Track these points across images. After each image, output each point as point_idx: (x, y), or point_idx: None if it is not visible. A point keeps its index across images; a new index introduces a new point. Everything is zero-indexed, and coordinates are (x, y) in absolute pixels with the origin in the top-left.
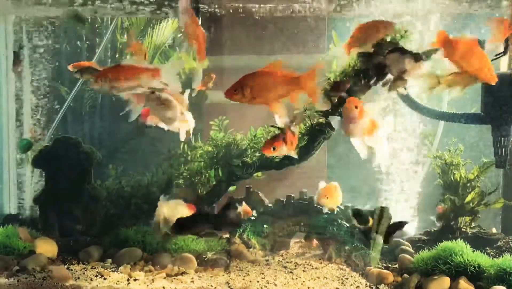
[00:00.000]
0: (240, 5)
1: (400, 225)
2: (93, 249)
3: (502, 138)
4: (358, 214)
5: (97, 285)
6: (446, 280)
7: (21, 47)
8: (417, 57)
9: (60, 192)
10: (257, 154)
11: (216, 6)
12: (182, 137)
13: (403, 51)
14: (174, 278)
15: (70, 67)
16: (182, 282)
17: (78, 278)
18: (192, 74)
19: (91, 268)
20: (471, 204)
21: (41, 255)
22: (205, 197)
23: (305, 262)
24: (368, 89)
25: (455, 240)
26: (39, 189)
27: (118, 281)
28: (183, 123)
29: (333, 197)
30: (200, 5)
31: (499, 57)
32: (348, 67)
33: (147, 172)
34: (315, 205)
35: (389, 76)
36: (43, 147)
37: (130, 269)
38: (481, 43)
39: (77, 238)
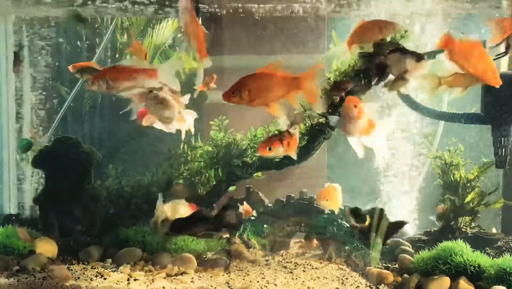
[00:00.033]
0: (240, 5)
1: (398, 225)
2: (93, 249)
3: (502, 139)
4: (356, 213)
5: (97, 285)
6: (446, 280)
7: (21, 47)
8: (418, 57)
9: (60, 192)
10: (257, 154)
11: (216, 6)
12: (183, 136)
13: (404, 51)
14: (174, 278)
15: (70, 68)
16: (182, 282)
17: (78, 278)
18: (196, 72)
19: (91, 268)
20: (471, 204)
21: (41, 255)
22: (205, 197)
23: (305, 262)
24: (368, 89)
25: (455, 240)
26: (38, 188)
27: (118, 281)
28: (182, 122)
29: (332, 199)
30: (200, 5)
31: (500, 57)
32: (348, 67)
33: (147, 172)
34: (315, 205)
35: (391, 77)
36: (43, 146)
37: (130, 269)
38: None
39: (77, 238)
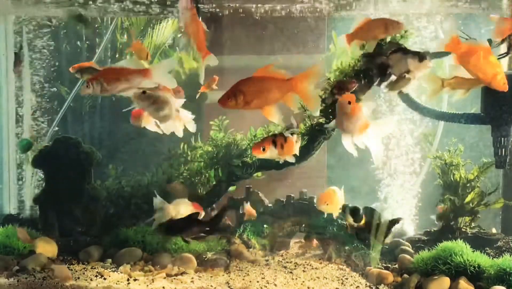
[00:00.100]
0: (241, 5)
1: (392, 223)
2: (93, 249)
3: (502, 139)
4: (354, 213)
5: (97, 285)
6: (446, 280)
7: (21, 47)
8: (421, 57)
9: (60, 192)
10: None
11: (215, 6)
12: (180, 134)
13: (406, 51)
14: (174, 278)
15: (71, 69)
16: (182, 282)
17: (78, 278)
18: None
19: (91, 268)
20: (471, 204)
21: (41, 255)
22: (205, 197)
23: (305, 262)
24: (368, 89)
25: (455, 240)
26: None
27: (118, 281)
28: (179, 121)
29: (333, 203)
30: (200, 5)
31: (502, 57)
32: (348, 67)
33: (147, 172)
34: (315, 205)
35: (393, 77)
36: (43, 147)
37: (130, 269)
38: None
39: (77, 238)
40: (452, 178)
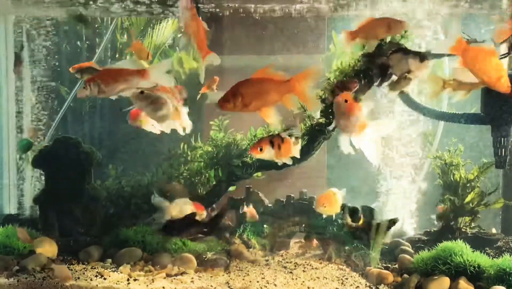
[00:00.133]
0: (241, 5)
1: (391, 223)
2: (93, 249)
3: (502, 139)
4: (354, 213)
5: (97, 285)
6: (446, 280)
7: (21, 47)
8: (422, 57)
9: (60, 192)
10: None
11: (214, 6)
12: (181, 132)
13: (406, 51)
14: (174, 278)
15: (71, 70)
16: (182, 282)
17: (78, 278)
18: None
19: (91, 268)
20: (471, 204)
21: (41, 255)
22: (205, 197)
23: (305, 262)
24: (368, 89)
25: (455, 240)
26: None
27: (118, 281)
28: (178, 119)
29: (331, 205)
30: (200, 5)
31: (503, 57)
32: (348, 67)
33: (147, 172)
34: (314, 206)
35: (394, 77)
36: (43, 147)
37: (130, 269)
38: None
39: (77, 238)
40: (452, 178)
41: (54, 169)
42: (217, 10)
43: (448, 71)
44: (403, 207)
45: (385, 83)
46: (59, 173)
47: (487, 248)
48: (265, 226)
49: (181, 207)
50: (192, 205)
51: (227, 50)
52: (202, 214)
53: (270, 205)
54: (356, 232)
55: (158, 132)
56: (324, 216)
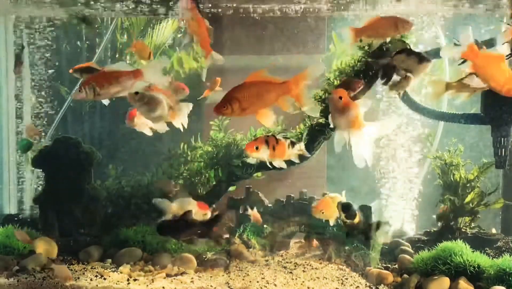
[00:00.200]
0: (241, 5)
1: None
2: (93, 249)
3: (502, 139)
4: (346, 209)
5: (97, 285)
6: (446, 281)
7: (22, 48)
8: (420, 59)
9: (60, 192)
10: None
11: (215, 6)
12: (181, 128)
13: (409, 52)
14: (174, 278)
15: (71, 71)
16: (182, 282)
17: (78, 278)
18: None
19: (91, 268)
20: (470, 204)
21: (41, 255)
22: (205, 197)
23: (305, 262)
24: (368, 89)
25: (455, 241)
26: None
27: (118, 281)
28: (174, 119)
29: (329, 211)
30: (200, 5)
31: (509, 57)
32: (347, 67)
33: (147, 172)
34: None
35: (395, 78)
36: (43, 147)
37: (130, 269)
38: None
39: (77, 238)
40: (452, 178)
41: (54, 169)
42: (218, 10)
43: (448, 72)
44: (403, 207)
45: (390, 83)
46: (59, 173)
47: (487, 248)
48: (265, 226)
49: (184, 207)
50: (196, 205)
51: (227, 50)
52: (207, 214)
53: (270, 205)
54: (352, 230)
55: (150, 133)
56: None
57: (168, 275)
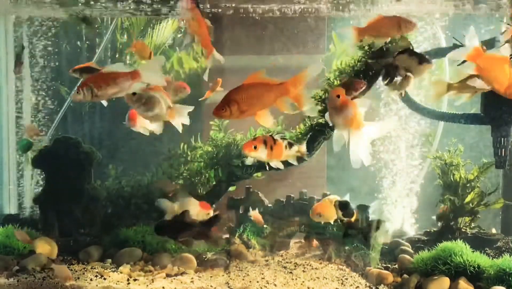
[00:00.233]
0: (241, 5)
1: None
2: (93, 249)
3: (502, 139)
4: (344, 207)
5: (97, 285)
6: (446, 281)
7: (22, 48)
8: (421, 60)
9: (60, 192)
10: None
11: (212, 5)
12: (180, 128)
13: (411, 53)
14: (174, 278)
15: (70, 72)
16: (182, 282)
17: (78, 278)
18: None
19: (91, 268)
20: (470, 205)
21: (41, 255)
22: (205, 197)
23: (305, 262)
24: (368, 89)
25: (455, 241)
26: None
27: (118, 281)
28: (172, 118)
29: (327, 213)
30: (200, 5)
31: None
32: (347, 67)
33: (147, 172)
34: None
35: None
36: (43, 147)
37: (130, 269)
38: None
39: (77, 238)
40: (452, 178)
41: (54, 169)
42: (218, 10)
43: (448, 73)
44: (402, 207)
45: (391, 83)
46: (59, 173)
47: (487, 248)
48: (265, 226)
49: (186, 207)
50: (198, 205)
51: (227, 51)
52: (209, 213)
53: (270, 205)
54: (349, 228)
55: (147, 133)
56: None
57: (168, 275)
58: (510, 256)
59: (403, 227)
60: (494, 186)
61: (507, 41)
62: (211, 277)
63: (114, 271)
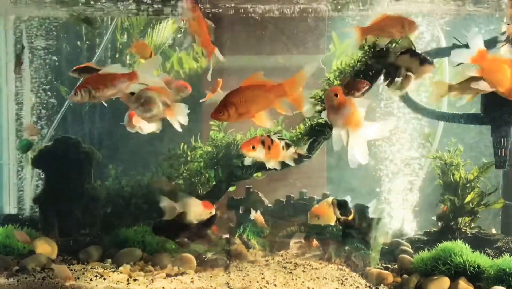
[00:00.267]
0: (241, 5)
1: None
2: (93, 249)
3: (502, 139)
4: (342, 206)
5: (96, 285)
6: (446, 281)
7: (22, 48)
8: (422, 61)
9: (60, 192)
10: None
11: (212, 6)
12: (178, 127)
13: (413, 54)
14: (174, 278)
15: (70, 73)
16: (182, 282)
17: (78, 278)
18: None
19: (91, 268)
20: (470, 205)
21: (41, 255)
22: (205, 197)
23: (305, 262)
24: (368, 89)
25: (455, 241)
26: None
27: (118, 281)
28: (170, 115)
29: (325, 216)
30: (200, 6)
31: None
32: (347, 67)
33: (147, 172)
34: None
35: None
36: (43, 146)
37: (130, 269)
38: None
39: (77, 238)
40: (452, 178)
41: (54, 169)
42: (219, 10)
43: (448, 73)
44: (402, 207)
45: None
46: (59, 173)
47: (487, 248)
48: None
49: (188, 206)
50: (200, 204)
51: (227, 51)
52: (212, 212)
53: (270, 205)
54: (346, 227)
55: (145, 133)
56: None
57: (168, 275)
58: (510, 256)
59: (403, 227)
60: (494, 186)
61: (506, 40)
62: (211, 277)
63: (114, 271)
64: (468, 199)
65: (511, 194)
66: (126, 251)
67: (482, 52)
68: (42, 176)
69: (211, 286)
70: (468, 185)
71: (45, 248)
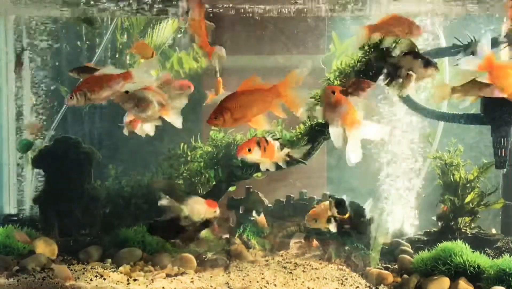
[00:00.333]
0: (241, 5)
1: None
2: (93, 249)
3: (502, 139)
4: (340, 205)
5: (96, 285)
6: (446, 281)
7: (22, 49)
8: (426, 63)
9: (60, 192)
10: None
11: (212, 6)
12: (179, 125)
13: (416, 55)
14: (174, 278)
15: (69, 73)
16: (182, 282)
17: (78, 278)
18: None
19: (91, 268)
20: (470, 205)
21: (41, 255)
22: (205, 197)
23: (305, 262)
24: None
25: (455, 241)
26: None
27: (118, 282)
28: (166, 114)
29: (323, 219)
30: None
31: None
32: (347, 67)
33: (147, 172)
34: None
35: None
36: (43, 146)
37: (130, 269)
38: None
39: (77, 238)
40: (452, 178)
41: (54, 169)
42: (220, 10)
43: (448, 74)
44: (402, 207)
45: (392, 83)
46: (59, 173)
47: (487, 249)
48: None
49: (192, 205)
50: (204, 203)
51: (227, 51)
52: (215, 211)
53: (270, 205)
54: (342, 225)
55: (143, 134)
56: None
57: (168, 275)
58: (510, 256)
59: (403, 227)
60: (494, 186)
61: (506, 39)
62: (211, 277)
63: (114, 271)
64: (468, 199)
65: (511, 194)
66: (126, 251)
67: (490, 59)
68: (40, 177)
69: (211, 286)
70: (468, 185)
71: (45, 248)
